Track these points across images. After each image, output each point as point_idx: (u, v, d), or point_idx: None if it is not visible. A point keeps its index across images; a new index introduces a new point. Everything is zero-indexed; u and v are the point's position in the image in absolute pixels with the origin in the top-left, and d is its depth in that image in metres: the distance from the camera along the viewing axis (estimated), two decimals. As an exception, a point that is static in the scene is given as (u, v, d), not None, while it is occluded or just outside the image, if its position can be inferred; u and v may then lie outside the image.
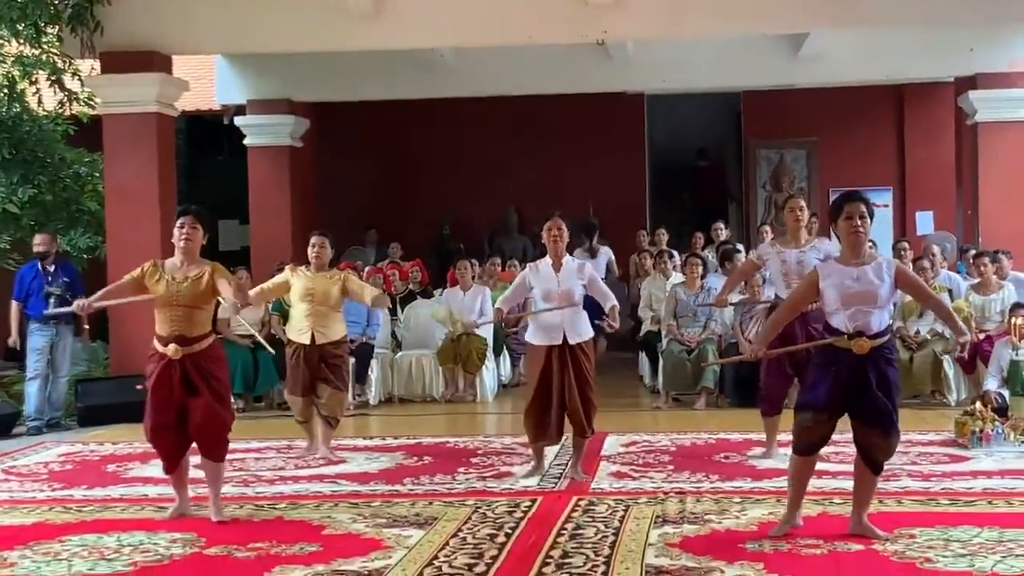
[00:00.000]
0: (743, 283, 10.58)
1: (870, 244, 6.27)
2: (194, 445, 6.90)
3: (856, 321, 5.90)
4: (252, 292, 9.25)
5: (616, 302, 8.03)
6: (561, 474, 7.93)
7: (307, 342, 8.91)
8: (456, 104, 16.37)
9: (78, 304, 7.04)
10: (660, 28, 12.11)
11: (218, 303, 7.22)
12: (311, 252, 9.08)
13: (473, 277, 12.89)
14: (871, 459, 5.99)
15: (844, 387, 5.91)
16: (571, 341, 7.79)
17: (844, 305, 5.93)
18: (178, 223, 6.93)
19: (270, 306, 11.73)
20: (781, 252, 8.28)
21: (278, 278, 9.29)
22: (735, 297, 10.98)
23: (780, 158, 18.24)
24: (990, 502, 6.84)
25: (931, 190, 17.12)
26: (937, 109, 17.15)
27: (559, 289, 7.82)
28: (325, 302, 8.95)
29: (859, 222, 5.96)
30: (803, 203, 8.44)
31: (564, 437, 8.09)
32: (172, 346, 6.74)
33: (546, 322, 7.84)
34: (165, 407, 6.78)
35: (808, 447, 6.04)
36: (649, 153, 18.50)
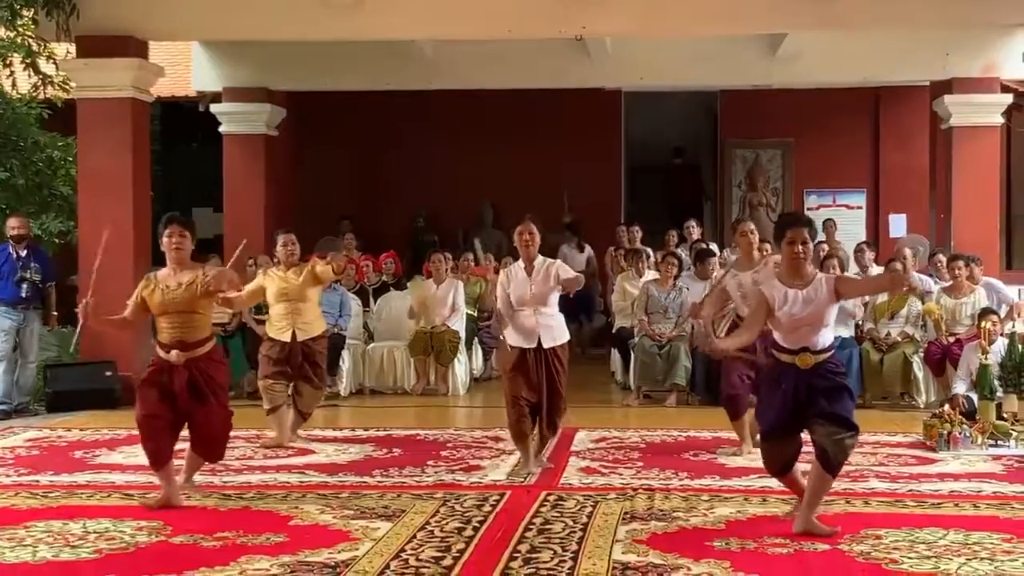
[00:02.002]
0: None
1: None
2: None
3: (800, 340, 6.10)
4: (233, 295, 9.26)
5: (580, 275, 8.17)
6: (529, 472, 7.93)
7: (288, 339, 8.99)
8: (434, 96, 16.33)
9: (82, 308, 7.00)
10: (638, 25, 12.11)
11: (213, 304, 7.25)
12: (283, 251, 9.12)
13: (446, 271, 12.88)
14: (826, 457, 6.03)
15: (793, 400, 6.07)
16: (545, 345, 7.88)
17: (791, 327, 6.12)
18: (166, 232, 6.98)
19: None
20: (736, 276, 8.42)
21: (252, 285, 9.23)
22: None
23: (755, 158, 18.27)
24: (956, 504, 6.88)
25: (905, 193, 17.19)
26: (912, 113, 17.21)
27: (531, 293, 7.91)
28: (302, 298, 9.01)
29: (800, 248, 6.17)
30: (752, 226, 8.60)
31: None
32: (174, 352, 6.82)
33: (521, 325, 7.92)
34: (156, 401, 6.81)
35: (780, 469, 6.27)
36: (625, 150, 18.50)
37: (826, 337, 6.14)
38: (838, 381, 6.11)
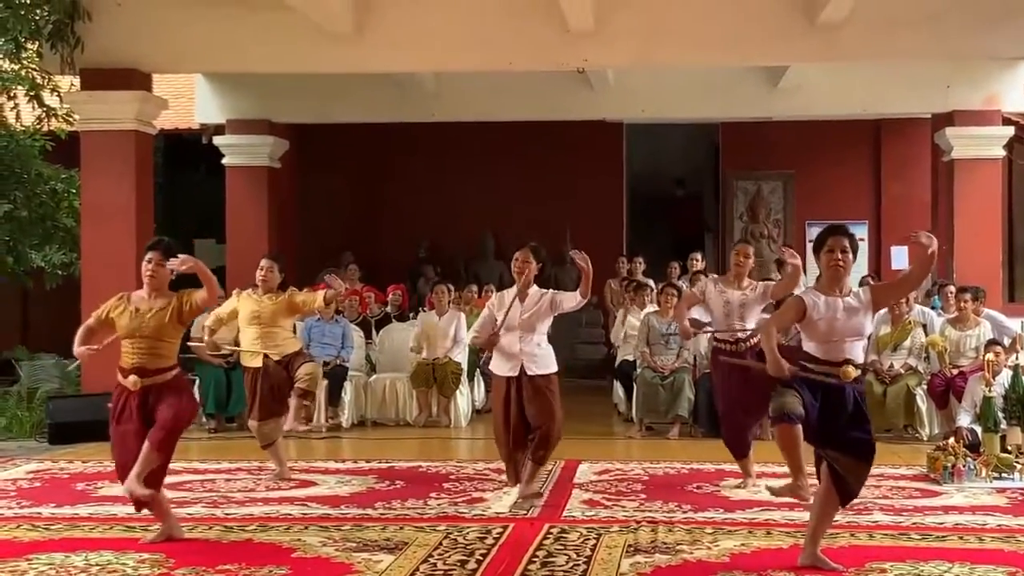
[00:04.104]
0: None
1: None
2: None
3: (842, 352, 5.93)
4: (208, 322, 9.30)
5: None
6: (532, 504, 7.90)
7: (259, 365, 8.86)
8: (435, 129, 16.40)
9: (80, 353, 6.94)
10: (640, 58, 12.15)
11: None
12: (258, 275, 9.05)
13: (449, 302, 12.88)
14: (845, 488, 5.96)
15: (824, 415, 5.87)
16: (529, 372, 7.77)
17: (832, 337, 5.94)
18: (146, 258, 6.85)
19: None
20: (724, 292, 8.49)
21: (226, 304, 9.24)
22: (705, 317, 11.08)
23: (757, 189, 18.33)
24: (961, 537, 6.85)
25: (906, 225, 17.14)
26: (913, 145, 17.28)
27: (520, 319, 7.82)
28: (273, 323, 8.91)
29: (840, 255, 6.01)
30: (750, 250, 8.69)
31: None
32: (132, 378, 6.67)
33: (505, 352, 7.85)
34: (128, 444, 6.65)
35: (788, 416, 5.81)
36: (627, 181, 18.57)
37: (861, 352, 6.03)
38: (864, 406, 5.99)
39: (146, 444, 6.63)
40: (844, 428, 5.90)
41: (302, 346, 9.43)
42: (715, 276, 9.07)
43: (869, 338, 11.26)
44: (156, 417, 6.67)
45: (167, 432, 6.66)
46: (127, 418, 6.69)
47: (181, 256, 6.71)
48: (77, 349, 6.93)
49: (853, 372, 5.91)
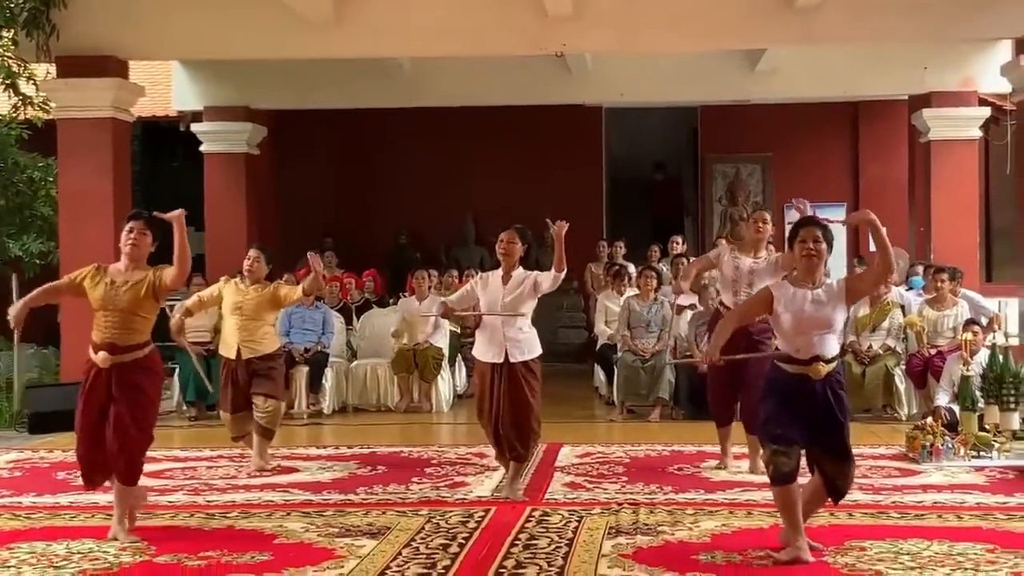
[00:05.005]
0: (698, 296, 10.70)
1: None
2: None
3: (811, 347, 5.89)
4: (189, 301, 9.18)
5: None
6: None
7: (233, 356, 8.80)
8: (414, 114, 16.37)
9: (13, 314, 6.72)
10: (618, 42, 12.15)
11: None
12: (245, 264, 8.96)
13: (430, 288, 12.88)
14: (835, 488, 5.97)
15: (803, 416, 5.86)
16: (512, 359, 7.58)
17: (800, 331, 5.91)
18: (127, 227, 6.72)
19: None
20: (737, 259, 8.38)
21: (212, 288, 9.18)
22: (687, 300, 11.16)
23: (736, 173, 18.37)
24: (940, 516, 6.90)
25: (884, 206, 17.13)
26: (891, 126, 17.35)
27: (503, 302, 7.65)
28: (255, 316, 8.82)
29: (812, 245, 5.99)
30: (768, 216, 8.57)
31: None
32: (102, 354, 6.52)
33: (488, 337, 7.67)
34: (92, 421, 6.56)
35: (783, 477, 5.84)
36: (607, 166, 18.58)
37: (835, 345, 5.97)
38: (844, 401, 5.94)
39: (115, 485, 6.60)
40: (822, 427, 5.88)
41: (280, 346, 9.29)
42: (734, 245, 8.87)
43: (847, 322, 11.41)
44: (108, 435, 6.51)
45: (127, 462, 6.55)
46: (94, 396, 6.56)
47: (178, 210, 6.63)
48: (17, 308, 6.71)
49: (824, 369, 5.87)
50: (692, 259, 8.18)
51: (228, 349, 8.88)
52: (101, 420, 6.56)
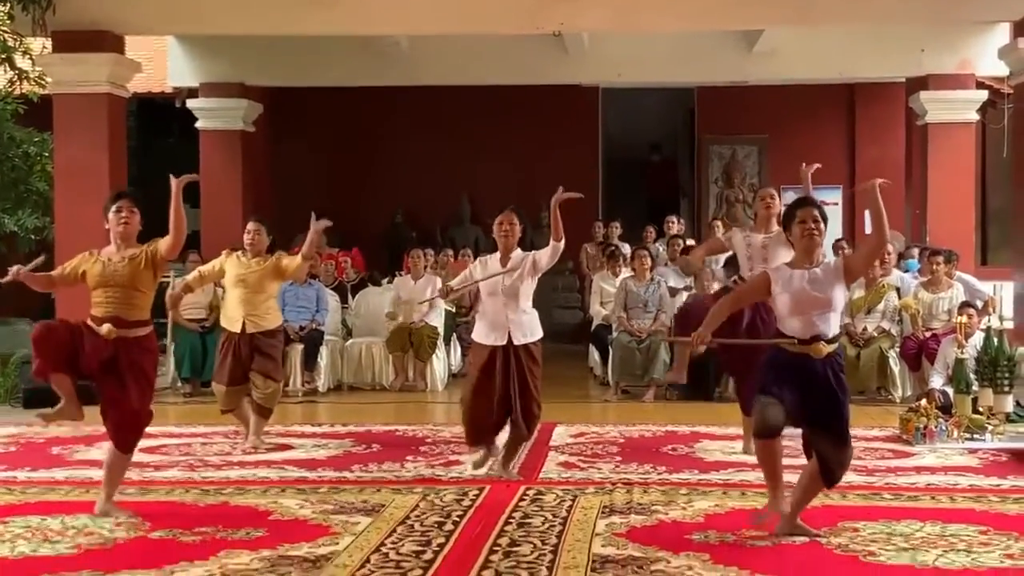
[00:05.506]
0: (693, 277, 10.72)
1: None
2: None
3: (811, 327, 5.86)
4: (190, 276, 9.18)
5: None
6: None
7: (238, 330, 8.76)
8: (411, 92, 16.36)
9: (13, 271, 6.61)
10: (616, 21, 12.14)
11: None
12: (246, 238, 8.92)
13: (426, 267, 12.87)
14: (830, 473, 5.93)
15: (801, 392, 5.83)
16: (516, 341, 7.48)
17: (798, 311, 5.89)
18: (114, 207, 6.63)
19: (219, 290, 11.61)
20: (748, 236, 8.39)
21: (213, 262, 9.13)
22: (680, 283, 11.18)
23: (732, 154, 18.38)
24: (933, 497, 6.93)
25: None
26: (888, 109, 17.35)
27: (504, 285, 7.55)
28: (259, 289, 8.81)
29: (812, 225, 5.97)
30: (774, 192, 8.61)
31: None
32: (107, 326, 6.41)
33: (491, 321, 7.58)
34: (69, 331, 6.43)
35: (769, 430, 5.82)
36: (603, 146, 18.56)
37: (835, 324, 5.94)
38: (843, 383, 5.91)
39: (112, 454, 6.57)
40: (821, 408, 5.85)
41: (282, 322, 9.27)
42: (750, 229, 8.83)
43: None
44: (107, 398, 6.48)
45: (123, 429, 6.52)
46: (82, 349, 6.42)
47: (188, 176, 6.72)
48: (14, 272, 6.60)
49: (825, 349, 5.85)
50: (693, 243, 8.24)
51: (231, 323, 8.84)
52: (67, 341, 6.41)
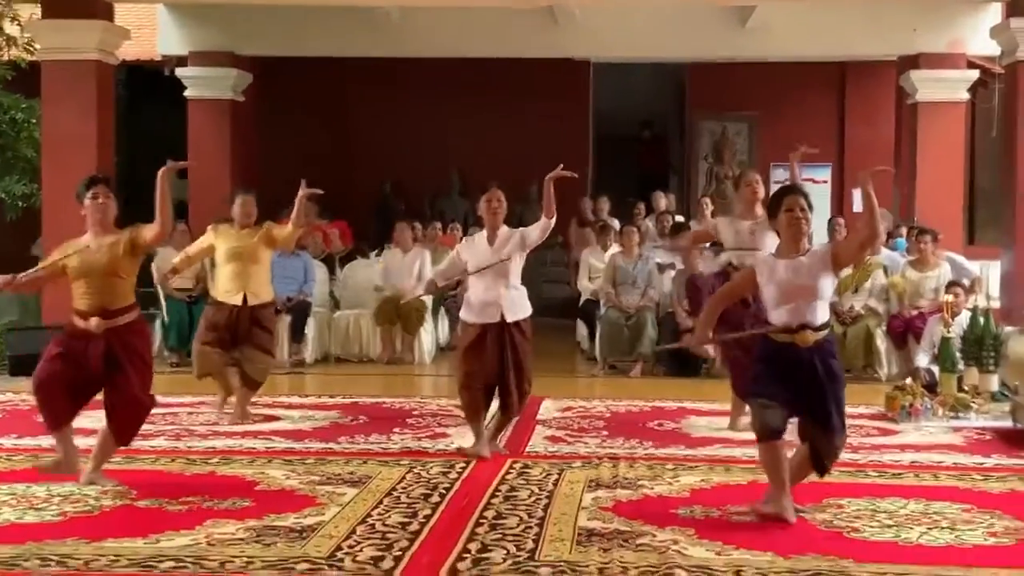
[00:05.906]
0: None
1: None
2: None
3: (798, 316, 5.83)
4: (176, 260, 9.07)
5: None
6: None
7: (239, 303, 8.65)
8: (401, 64, 16.29)
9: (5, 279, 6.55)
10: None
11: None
12: (240, 211, 8.82)
13: (414, 239, 12.84)
14: (820, 461, 5.93)
15: (790, 381, 5.82)
16: (508, 319, 7.45)
17: (784, 301, 5.87)
18: (90, 193, 6.47)
19: (207, 262, 11.53)
20: (735, 222, 8.39)
21: (201, 241, 9.01)
22: (668, 259, 11.20)
23: (723, 131, 18.35)
24: (917, 475, 6.96)
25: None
26: (878, 88, 17.34)
27: (492, 262, 7.51)
28: (255, 260, 8.74)
29: (800, 213, 5.95)
30: (758, 177, 8.58)
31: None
32: (95, 320, 6.34)
33: (482, 299, 7.51)
34: (59, 365, 6.37)
35: (770, 433, 5.79)
36: (594, 121, 18.52)
37: (823, 312, 5.89)
38: (835, 370, 5.87)
39: (105, 438, 6.54)
40: (810, 396, 5.82)
41: (274, 297, 9.17)
42: (736, 214, 8.80)
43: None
44: (109, 390, 6.42)
45: (125, 420, 6.49)
46: (82, 364, 6.37)
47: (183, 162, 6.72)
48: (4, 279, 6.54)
49: (812, 337, 5.82)
50: (682, 219, 8.20)
51: (230, 295, 8.68)
52: (67, 373, 6.38)
